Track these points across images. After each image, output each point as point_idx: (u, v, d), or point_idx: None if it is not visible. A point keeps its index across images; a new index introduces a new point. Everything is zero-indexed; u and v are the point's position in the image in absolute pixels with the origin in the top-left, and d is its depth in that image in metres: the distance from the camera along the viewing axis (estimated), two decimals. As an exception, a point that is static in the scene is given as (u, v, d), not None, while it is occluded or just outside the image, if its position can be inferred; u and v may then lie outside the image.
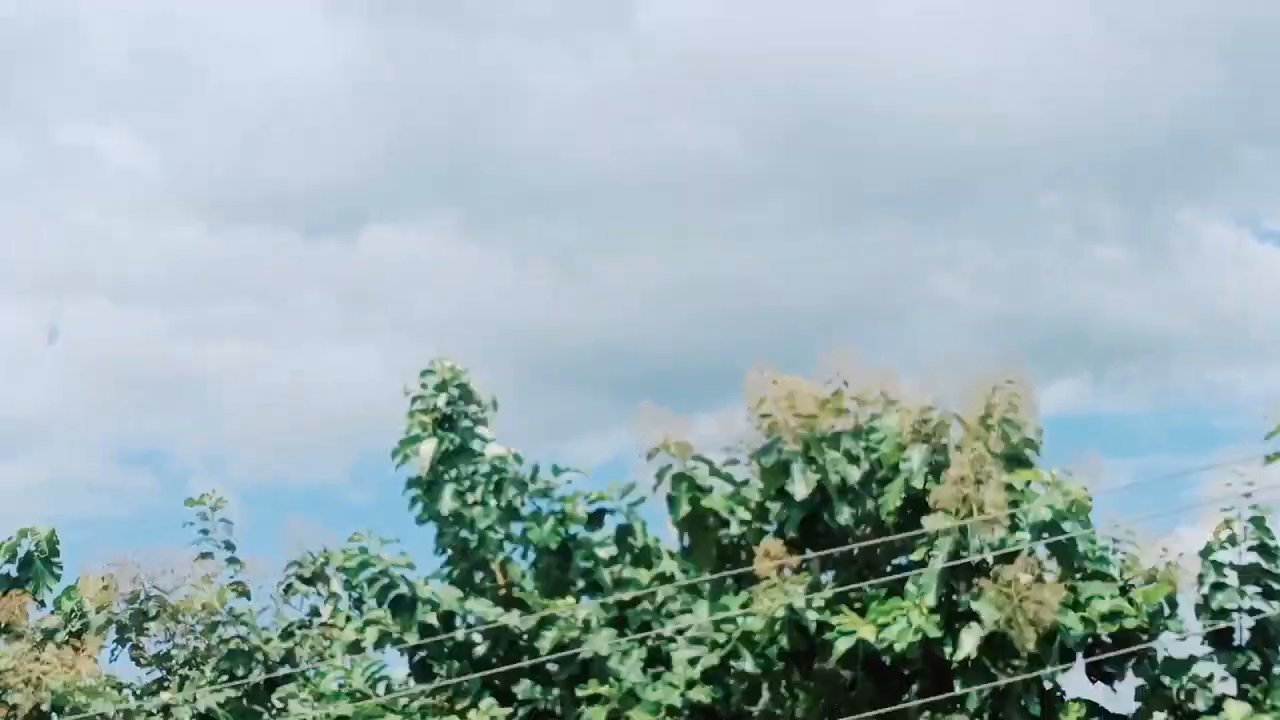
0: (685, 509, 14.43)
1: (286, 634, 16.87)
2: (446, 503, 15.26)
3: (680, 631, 14.52)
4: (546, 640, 14.34)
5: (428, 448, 15.30)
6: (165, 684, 15.98)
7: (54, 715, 14.81)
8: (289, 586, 17.57)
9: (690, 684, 13.96)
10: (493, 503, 15.47)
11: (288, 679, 15.86)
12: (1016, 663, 13.14)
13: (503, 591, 15.69)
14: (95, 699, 14.59)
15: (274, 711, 15.78)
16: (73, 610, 16.43)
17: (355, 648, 15.76)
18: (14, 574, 17.32)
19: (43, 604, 17.16)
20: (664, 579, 15.47)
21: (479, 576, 15.83)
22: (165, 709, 15.02)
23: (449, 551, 15.88)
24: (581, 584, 15.34)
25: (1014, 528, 13.46)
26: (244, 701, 15.74)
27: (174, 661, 16.11)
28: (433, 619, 15.06)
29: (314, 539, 17.85)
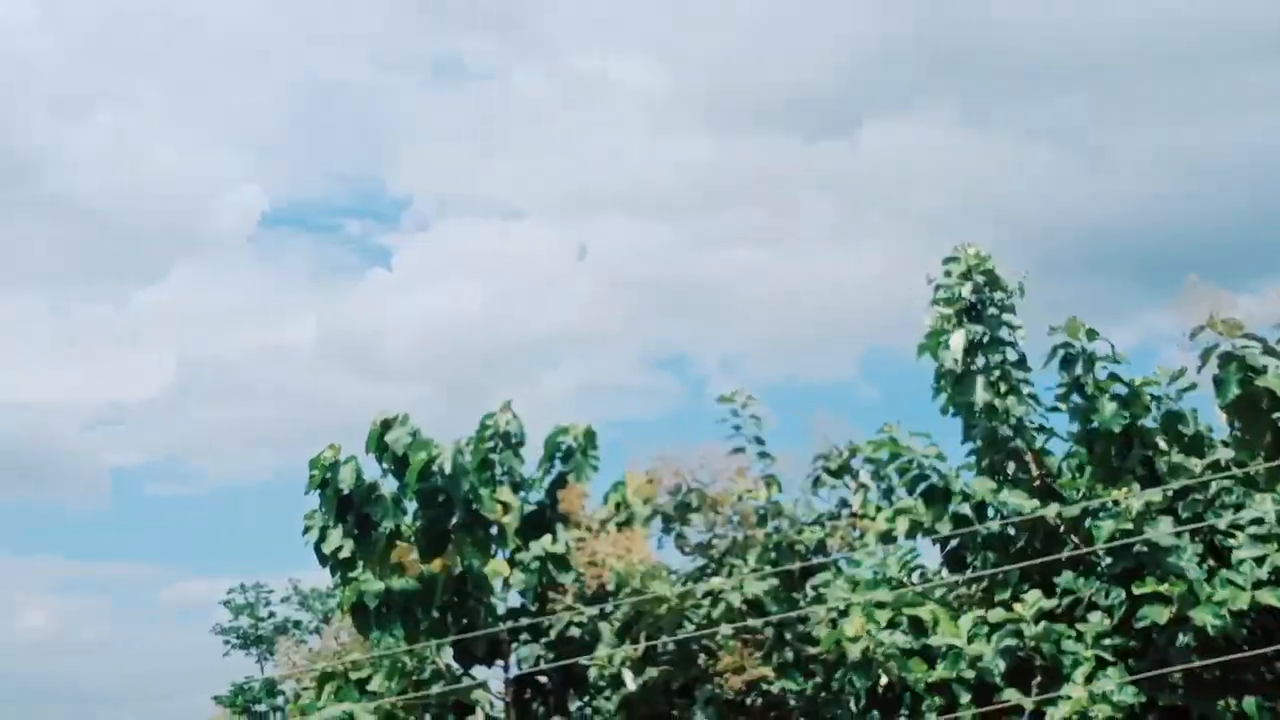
0: (1235, 391, 13.49)
1: (817, 524, 17.22)
2: (979, 394, 15.07)
3: (1239, 527, 13.72)
4: (1103, 530, 13.91)
5: (958, 340, 15.14)
6: (707, 570, 16.68)
7: (614, 595, 15.84)
8: (817, 479, 17.89)
9: (1257, 584, 13.21)
10: (1027, 390, 15.13)
11: (822, 568, 16.25)
12: None
13: (1037, 483, 15.38)
14: (652, 582, 15.52)
15: (808, 599, 16.21)
16: (620, 502, 17.48)
17: (887, 537, 15.95)
18: (560, 468, 18.61)
19: (585, 496, 18.36)
20: (1217, 468, 14.66)
21: (1011, 468, 15.60)
22: (713, 595, 15.69)
23: (978, 443, 15.73)
24: (1140, 471, 14.73)
25: None
26: (780, 590, 16.17)
27: (715, 550, 16.80)
28: (965, 510, 15.02)
29: (838, 432, 18.03)
